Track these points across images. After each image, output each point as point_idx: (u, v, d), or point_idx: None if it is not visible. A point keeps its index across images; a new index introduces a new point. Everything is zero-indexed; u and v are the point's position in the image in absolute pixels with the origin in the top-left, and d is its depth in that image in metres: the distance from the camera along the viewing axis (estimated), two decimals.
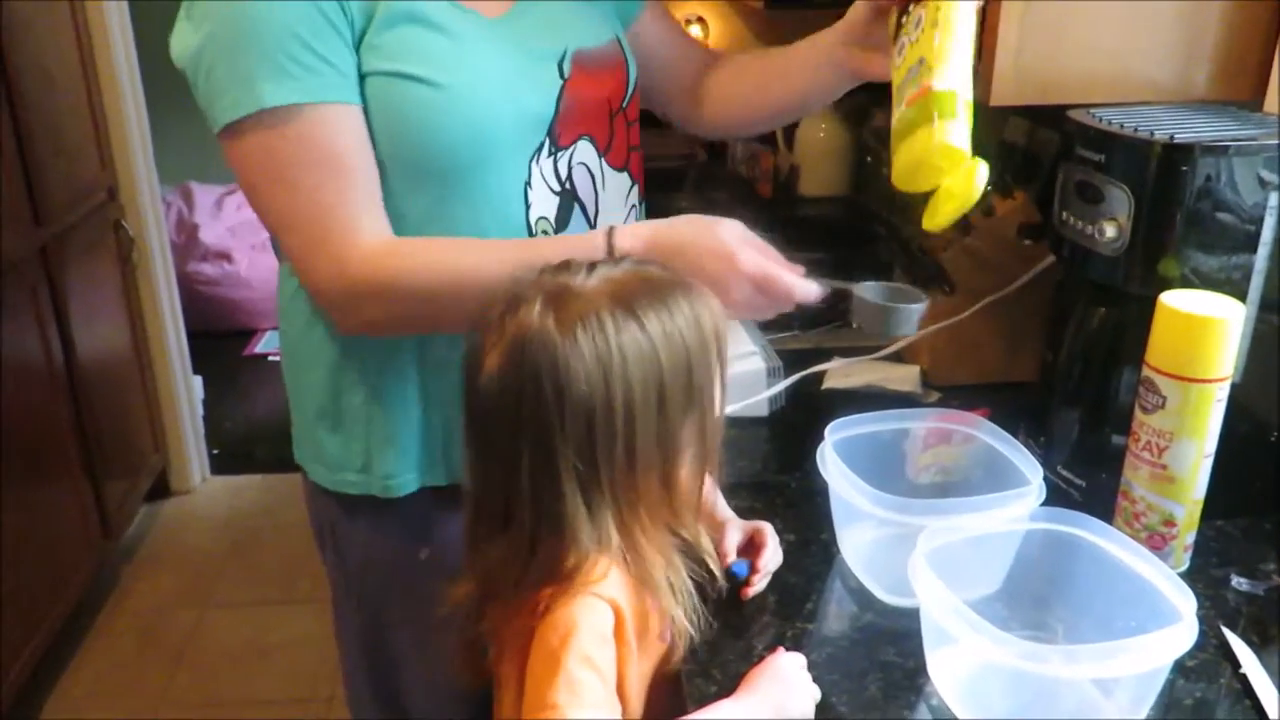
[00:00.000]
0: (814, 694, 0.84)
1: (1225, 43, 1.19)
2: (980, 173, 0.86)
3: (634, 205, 1.16)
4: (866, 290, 0.99)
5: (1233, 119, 1.05)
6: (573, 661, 0.73)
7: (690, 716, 0.79)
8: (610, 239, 0.94)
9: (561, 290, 0.78)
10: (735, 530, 1.02)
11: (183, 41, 0.94)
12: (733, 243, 0.92)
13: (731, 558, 0.99)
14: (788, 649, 0.88)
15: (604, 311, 0.76)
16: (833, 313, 1.12)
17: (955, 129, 0.87)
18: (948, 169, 0.87)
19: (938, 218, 0.89)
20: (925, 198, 0.90)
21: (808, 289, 0.94)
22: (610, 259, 0.86)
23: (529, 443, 0.76)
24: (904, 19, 0.98)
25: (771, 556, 1.00)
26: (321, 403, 1.09)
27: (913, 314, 0.97)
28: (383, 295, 0.95)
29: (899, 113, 0.93)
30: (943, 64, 0.90)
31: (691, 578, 0.84)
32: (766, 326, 1.43)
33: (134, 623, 2.49)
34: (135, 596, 2.59)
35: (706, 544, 0.86)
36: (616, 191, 1.12)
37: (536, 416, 0.75)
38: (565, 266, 0.81)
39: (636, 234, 0.95)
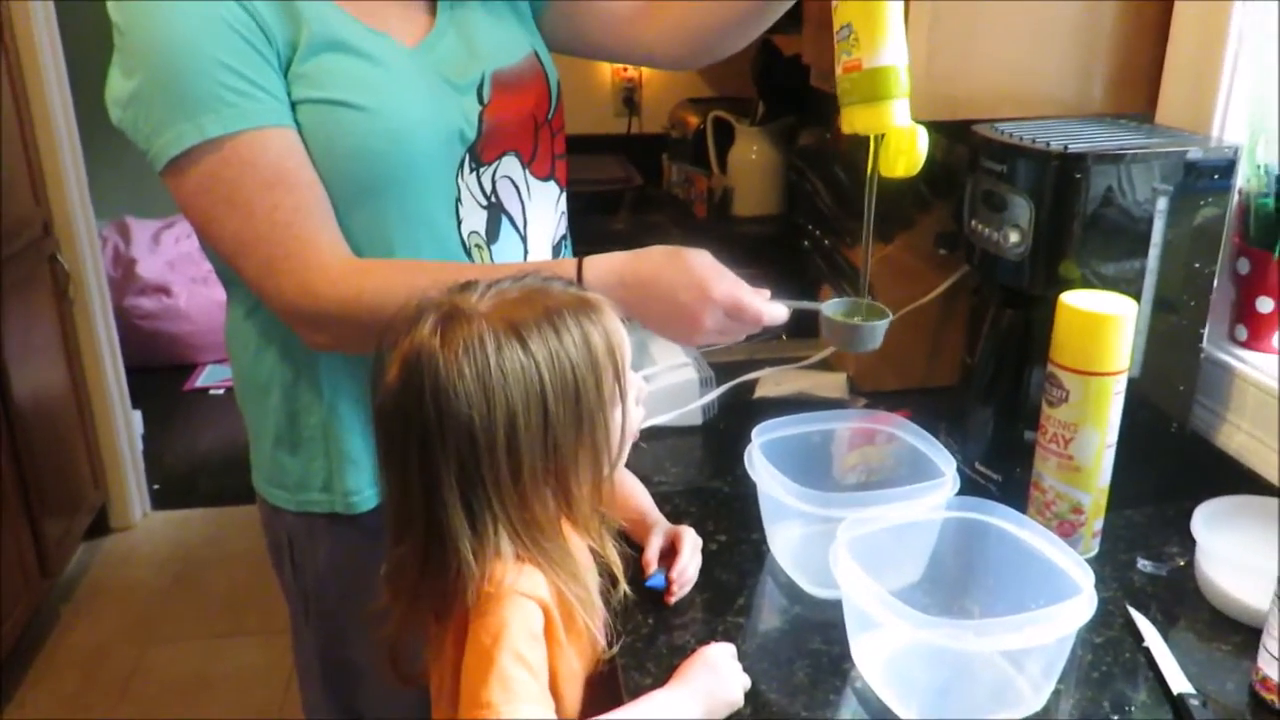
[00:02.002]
0: (744, 682, 0.87)
1: (1118, 59, 1.27)
2: (921, 137, 0.93)
3: (563, 212, 1.20)
4: (832, 308, 1.03)
5: (1125, 130, 1.12)
6: (505, 659, 0.75)
7: (623, 708, 0.82)
8: (580, 269, 0.97)
9: (453, 310, 0.80)
10: (658, 536, 1.05)
11: (117, 91, 0.95)
12: (704, 272, 0.96)
13: (653, 566, 1.01)
14: (719, 642, 0.91)
15: (487, 332, 0.78)
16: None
17: (898, 108, 0.93)
18: (897, 137, 0.94)
19: (894, 170, 0.95)
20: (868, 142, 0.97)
21: (775, 312, 0.98)
22: (514, 278, 0.87)
23: (415, 455, 0.79)
24: None
25: (687, 565, 1.02)
26: (279, 427, 1.10)
27: (878, 330, 1.02)
28: (347, 313, 0.96)
29: (838, 74, 0.96)
30: (872, 39, 0.92)
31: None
32: None
33: (75, 659, 2.45)
34: (76, 634, 2.54)
35: (612, 554, 0.87)
36: (543, 200, 1.15)
37: (422, 430, 0.78)
38: (467, 286, 0.83)
39: (608, 265, 0.97)
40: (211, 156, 0.93)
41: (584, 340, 0.80)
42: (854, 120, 0.95)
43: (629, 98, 2.75)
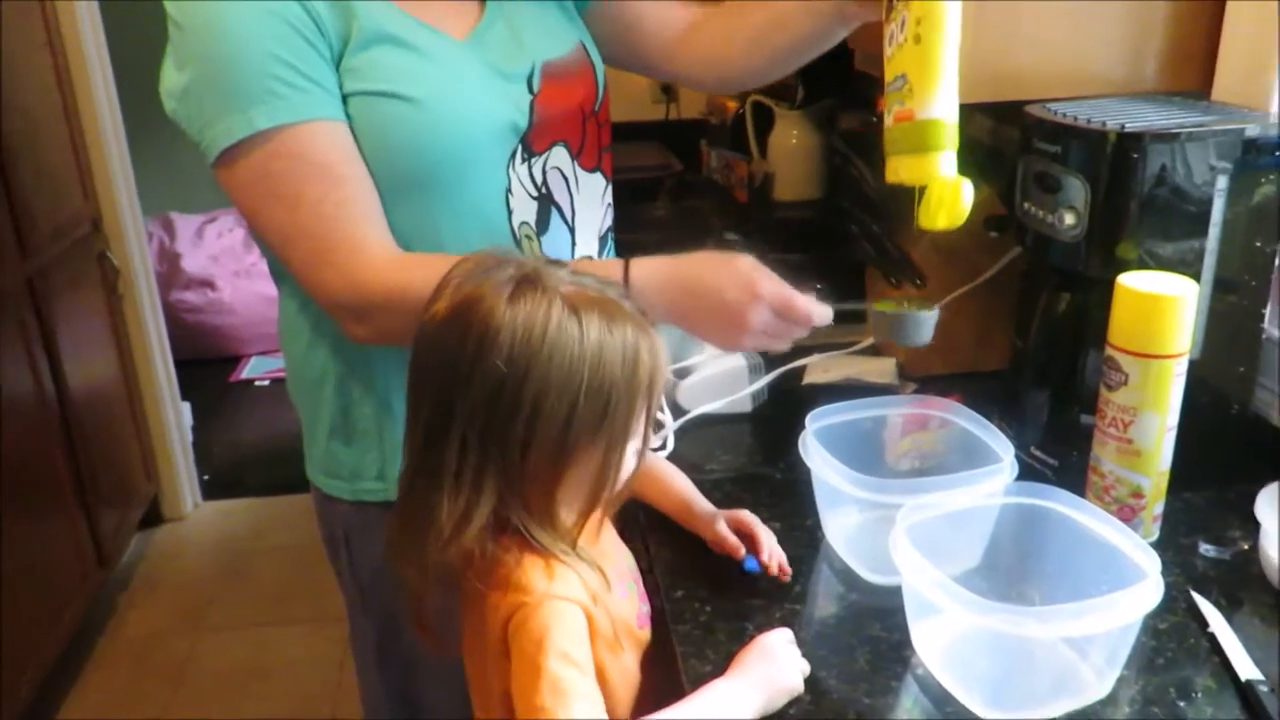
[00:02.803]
0: (803, 668, 0.88)
1: (1172, 35, 1.25)
2: (967, 192, 0.91)
3: (609, 204, 1.21)
4: (879, 305, 1.04)
5: (1181, 108, 1.10)
6: (552, 662, 0.76)
7: (683, 702, 0.82)
8: (627, 269, 0.97)
9: (535, 274, 0.80)
10: (722, 524, 1.04)
11: (170, 84, 0.97)
12: (751, 272, 0.96)
13: (742, 550, 1.02)
14: (777, 628, 0.91)
15: (554, 306, 0.78)
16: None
17: (945, 160, 0.91)
18: (940, 189, 0.91)
19: (935, 222, 0.92)
20: (911, 192, 0.95)
21: (823, 312, 0.98)
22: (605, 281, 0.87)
23: (435, 390, 0.80)
24: (895, 1, 0.98)
25: (773, 544, 1.02)
26: (333, 418, 1.12)
27: (926, 321, 1.01)
28: (393, 304, 0.96)
29: (888, 122, 0.95)
30: (926, 91, 0.91)
31: None
32: None
33: (131, 649, 2.50)
34: (131, 623, 2.60)
35: (582, 569, 0.83)
36: (591, 192, 1.16)
37: (451, 369, 0.78)
38: (555, 262, 0.84)
39: (655, 266, 0.98)
40: (261, 149, 0.94)
41: (633, 357, 0.81)
42: (900, 170, 0.94)
43: (666, 84, 2.73)
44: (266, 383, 3.83)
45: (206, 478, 3.18)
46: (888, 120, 0.96)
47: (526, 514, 0.81)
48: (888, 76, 0.96)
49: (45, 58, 2.50)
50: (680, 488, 1.11)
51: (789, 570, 1.01)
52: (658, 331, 0.85)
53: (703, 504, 1.08)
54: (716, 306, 0.96)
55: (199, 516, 3.08)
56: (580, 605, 0.80)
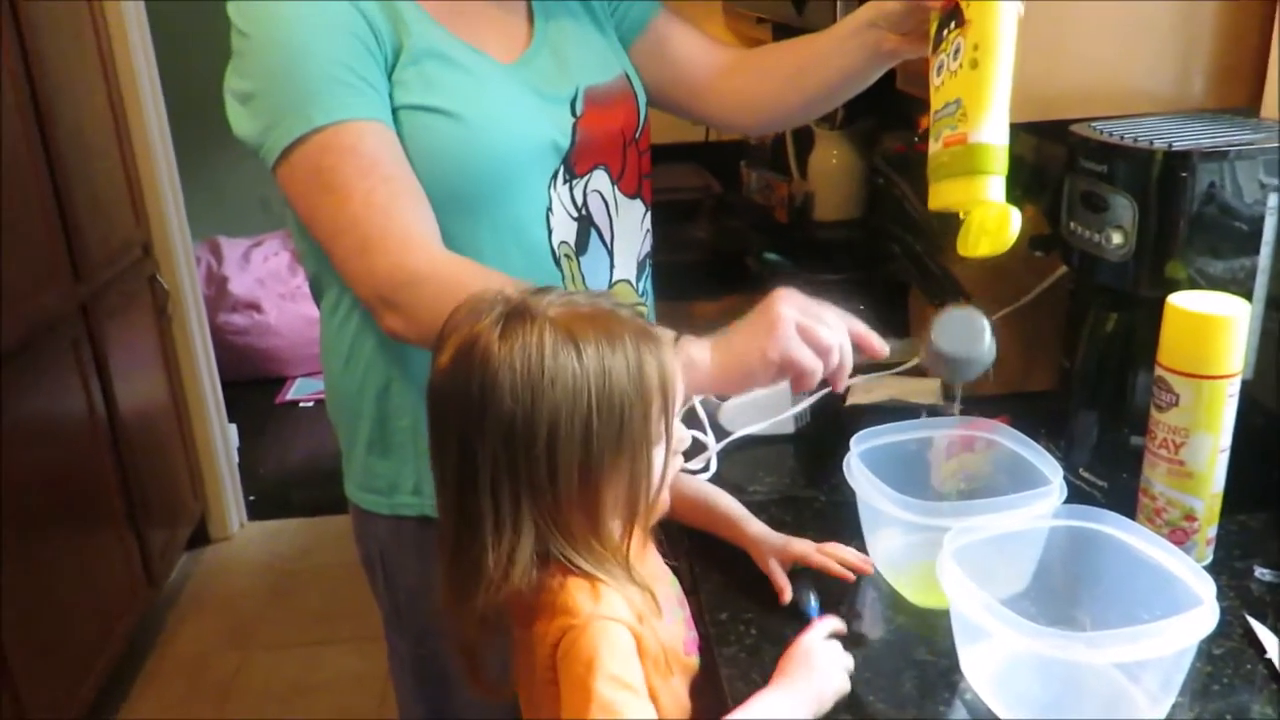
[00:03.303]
0: (846, 665, 0.87)
1: (1220, 51, 1.23)
2: (1014, 219, 0.89)
3: (647, 230, 1.22)
4: (941, 334, 1.02)
5: (1230, 125, 1.09)
6: (602, 685, 0.76)
7: (731, 715, 0.82)
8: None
9: (521, 307, 0.80)
10: (773, 561, 1.03)
11: (234, 91, 0.99)
12: (778, 295, 0.94)
13: (787, 594, 1.00)
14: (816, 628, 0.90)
15: (546, 334, 0.78)
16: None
17: (994, 185, 0.91)
18: (983, 215, 0.90)
19: (976, 249, 0.91)
20: (954, 219, 0.93)
21: (876, 344, 0.96)
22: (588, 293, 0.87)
23: (455, 440, 0.80)
24: (945, 32, 0.98)
25: (830, 562, 1.02)
26: (371, 432, 1.14)
27: (983, 360, 1.00)
28: (433, 280, 0.95)
29: (935, 148, 0.95)
30: (981, 115, 0.91)
31: None
32: None
33: (181, 666, 2.54)
34: (181, 641, 2.64)
35: (631, 594, 0.82)
36: (630, 217, 1.17)
37: (464, 417, 0.79)
38: (541, 290, 0.83)
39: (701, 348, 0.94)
40: (315, 145, 0.96)
41: (637, 366, 0.80)
42: (946, 194, 0.93)
43: None
44: (311, 404, 3.88)
45: (252, 498, 3.22)
46: (934, 146, 0.95)
47: (568, 542, 0.81)
48: (936, 104, 0.96)
49: (99, 82, 2.57)
50: (727, 506, 1.10)
51: (869, 561, 1.01)
52: (661, 330, 0.85)
53: (756, 526, 1.07)
54: (744, 328, 0.94)
55: (244, 536, 3.12)
56: (627, 625, 0.80)
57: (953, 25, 0.96)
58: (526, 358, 0.77)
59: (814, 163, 2.33)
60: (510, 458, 0.78)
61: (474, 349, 0.79)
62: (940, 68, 0.97)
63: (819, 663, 0.86)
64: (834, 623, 0.91)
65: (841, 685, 0.86)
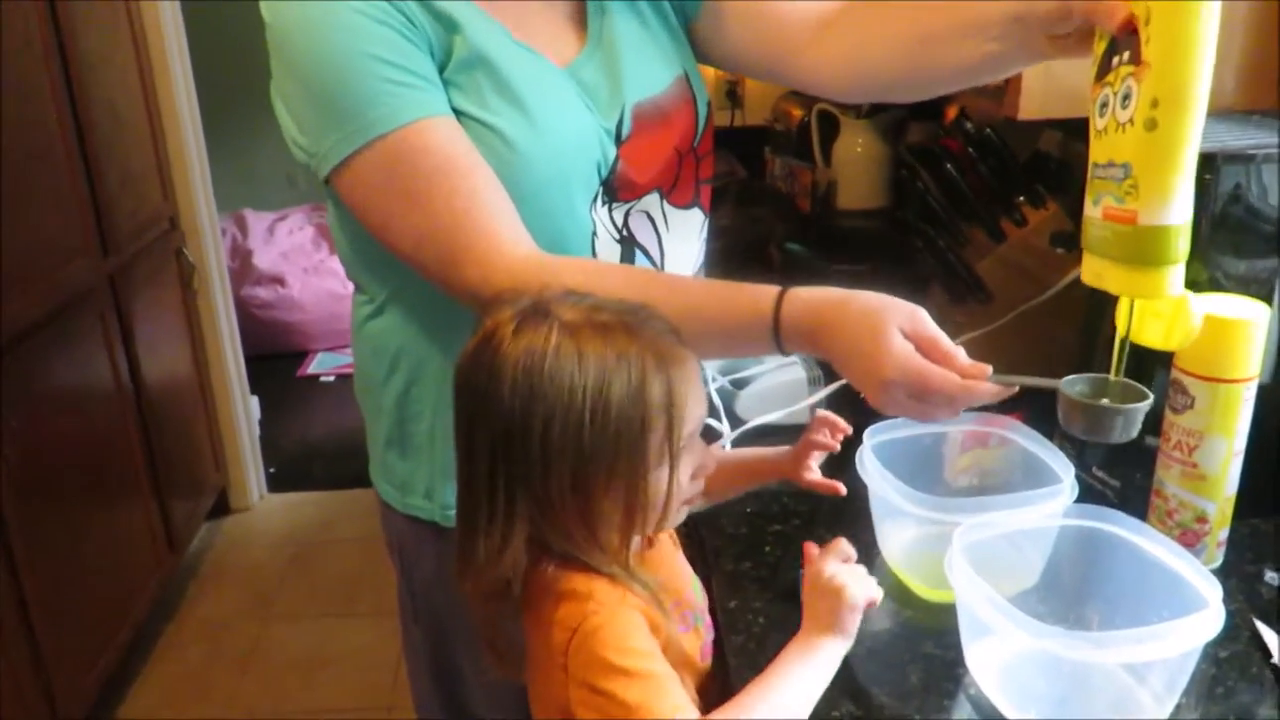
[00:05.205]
0: (869, 592, 0.84)
1: (1250, 52, 1.22)
2: (1196, 309, 0.81)
3: (704, 238, 1.19)
4: (1072, 386, 0.88)
5: (1256, 127, 1.09)
6: (630, 662, 0.77)
7: (762, 678, 0.81)
8: (780, 298, 0.89)
9: (541, 306, 0.82)
10: (802, 464, 1.04)
11: (280, 90, 0.96)
12: (888, 329, 0.83)
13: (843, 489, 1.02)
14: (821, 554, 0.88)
15: (554, 335, 0.79)
16: None
17: (1174, 277, 0.76)
18: (1157, 305, 0.82)
19: (1163, 344, 0.85)
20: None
21: (976, 392, 0.83)
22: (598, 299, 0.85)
23: (464, 424, 0.83)
24: (1115, 60, 0.79)
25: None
26: (390, 429, 1.13)
27: (1134, 416, 0.83)
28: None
29: (1093, 212, 0.80)
30: (1161, 192, 0.73)
31: None
32: None
33: (200, 634, 2.59)
34: (201, 609, 2.68)
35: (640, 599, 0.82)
36: (683, 229, 1.13)
37: (472, 403, 0.82)
38: (572, 292, 0.84)
39: (808, 301, 0.89)
40: (382, 152, 0.93)
41: (640, 382, 0.79)
42: (1110, 279, 0.79)
43: (732, 90, 2.74)
44: (331, 378, 3.92)
45: (272, 470, 3.26)
46: (1092, 210, 0.81)
47: (569, 540, 0.82)
48: (1096, 154, 0.80)
49: (130, 56, 2.59)
50: (739, 460, 1.09)
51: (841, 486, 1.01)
52: (685, 354, 0.83)
53: (774, 453, 1.06)
54: (850, 356, 0.88)
55: (265, 508, 3.16)
56: (640, 610, 0.81)
57: (1126, 57, 0.76)
58: (530, 355, 0.79)
59: (839, 151, 2.32)
60: (507, 449, 0.80)
61: (490, 339, 0.81)
62: (1104, 105, 0.79)
63: (826, 590, 0.83)
64: (840, 548, 0.88)
65: (863, 594, 0.83)
